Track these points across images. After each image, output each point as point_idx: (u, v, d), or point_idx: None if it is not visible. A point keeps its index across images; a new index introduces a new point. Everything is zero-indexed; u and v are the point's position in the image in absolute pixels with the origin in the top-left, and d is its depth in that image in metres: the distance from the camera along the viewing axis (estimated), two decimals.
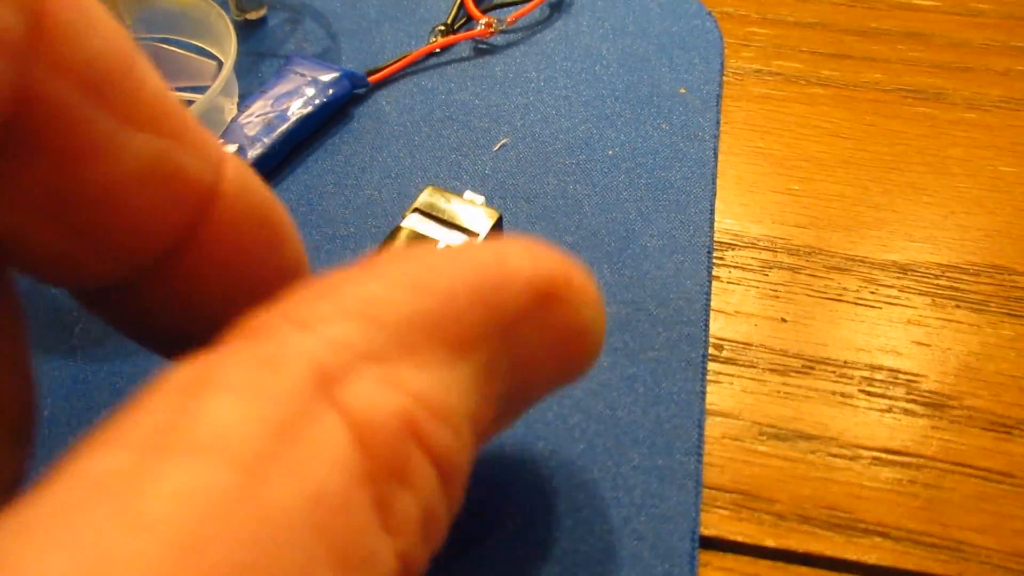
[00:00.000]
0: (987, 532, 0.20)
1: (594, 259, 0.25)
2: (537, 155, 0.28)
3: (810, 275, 0.25)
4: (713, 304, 0.24)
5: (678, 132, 0.28)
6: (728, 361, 0.23)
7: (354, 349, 0.12)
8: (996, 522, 0.20)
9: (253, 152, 0.27)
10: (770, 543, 0.20)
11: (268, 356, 0.11)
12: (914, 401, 0.22)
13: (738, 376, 0.23)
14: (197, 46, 0.27)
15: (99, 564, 0.08)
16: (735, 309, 0.24)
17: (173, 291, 0.14)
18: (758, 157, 0.28)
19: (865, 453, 0.21)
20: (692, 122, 0.29)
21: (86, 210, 0.13)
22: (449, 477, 0.12)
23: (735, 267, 0.25)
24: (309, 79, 0.29)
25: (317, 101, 0.28)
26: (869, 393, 0.22)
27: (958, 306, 0.24)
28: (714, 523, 0.20)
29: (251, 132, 0.27)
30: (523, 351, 0.14)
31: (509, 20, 0.32)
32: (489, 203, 0.25)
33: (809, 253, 0.25)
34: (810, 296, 0.24)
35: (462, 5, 0.32)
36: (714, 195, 0.27)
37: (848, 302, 0.24)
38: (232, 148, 0.26)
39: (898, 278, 0.25)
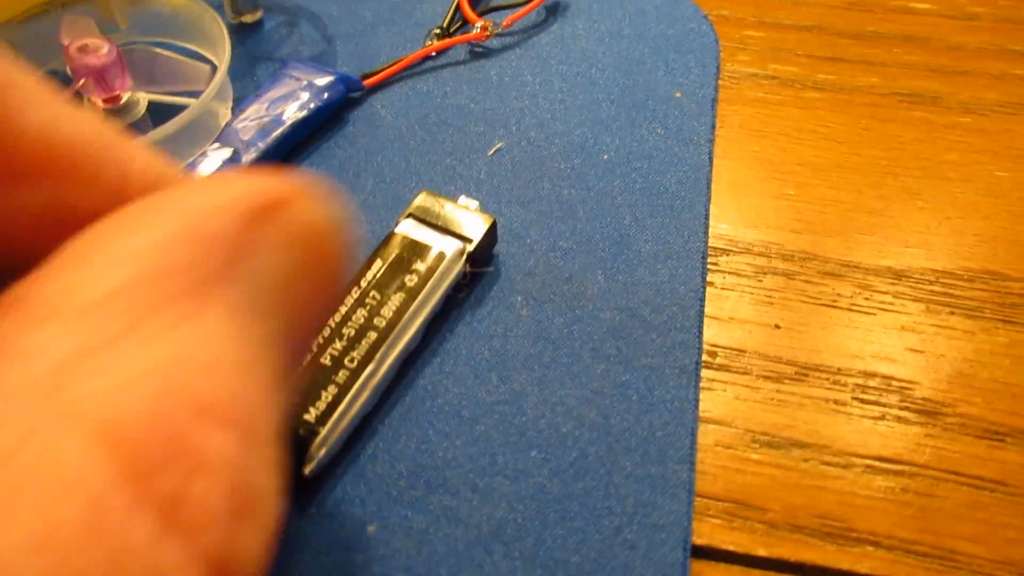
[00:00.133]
0: (979, 541, 0.20)
1: (588, 264, 0.25)
2: (532, 159, 0.28)
3: (804, 281, 0.25)
4: (707, 310, 0.24)
5: (673, 136, 0.28)
6: (722, 368, 0.23)
7: (61, 350, 0.10)
8: (988, 531, 0.20)
9: (248, 157, 0.27)
10: (762, 552, 0.20)
11: None
12: (907, 408, 0.22)
13: (731, 383, 0.23)
14: (191, 49, 0.27)
15: None
16: (729, 315, 0.24)
17: None
18: (753, 161, 0.28)
19: (858, 461, 0.21)
20: (687, 126, 0.29)
21: None
22: (251, 436, 0.11)
23: (729, 273, 0.25)
24: (304, 83, 0.29)
25: (312, 105, 0.28)
26: (862, 400, 0.22)
27: (952, 312, 0.24)
28: (706, 532, 0.20)
29: (246, 136, 0.27)
30: (271, 280, 0.13)
31: (505, 23, 0.32)
32: (483, 208, 0.25)
33: (803, 259, 0.25)
34: (804, 302, 0.24)
35: (458, 8, 0.32)
36: (709, 200, 0.27)
37: (842, 308, 0.24)
38: (227, 152, 0.26)
39: (892, 284, 0.25)
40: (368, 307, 0.22)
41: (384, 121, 0.29)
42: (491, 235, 0.24)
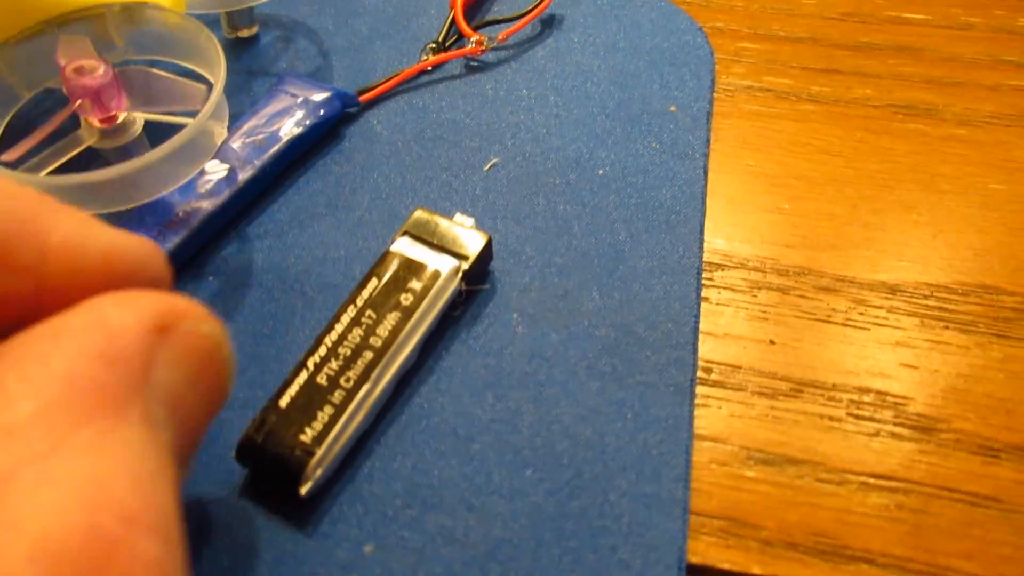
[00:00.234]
0: (973, 558, 0.20)
1: (583, 281, 0.25)
2: (527, 175, 0.28)
3: (799, 296, 0.25)
4: (702, 326, 0.24)
5: (668, 151, 0.28)
6: (717, 384, 0.23)
7: (20, 454, 0.11)
8: (982, 548, 0.20)
9: (244, 174, 0.27)
10: (757, 570, 0.20)
11: None
12: (902, 424, 0.22)
13: (726, 400, 0.23)
14: (188, 68, 0.27)
15: None
16: (724, 331, 0.24)
17: None
18: (748, 175, 0.28)
19: (853, 478, 0.21)
20: (682, 140, 0.29)
21: None
22: (169, 539, 0.12)
23: (724, 288, 0.25)
24: (300, 99, 0.29)
25: (308, 122, 0.28)
26: (857, 416, 0.22)
27: (947, 327, 0.24)
28: (701, 550, 0.20)
29: (242, 153, 0.27)
30: (169, 391, 0.14)
31: (500, 37, 0.32)
32: (479, 224, 0.25)
33: (798, 273, 0.26)
34: (799, 318, 0.24)
35: (453, 23, 0.32)
36: (704, 215, 0.27)
37: (837, 323, 0.24)
38: (223, 170, 0.27)
39: (887, 299, 0.25)
40: (364, 326, 0.22)
41: (380, 137, 0.29)
42: (487, 252, 0.24)
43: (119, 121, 0.25)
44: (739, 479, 0.21)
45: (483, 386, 0.23)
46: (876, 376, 0.23)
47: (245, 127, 0.28)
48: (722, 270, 0.26)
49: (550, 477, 0.21)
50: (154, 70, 0.27)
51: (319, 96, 0.29)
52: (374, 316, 0.22)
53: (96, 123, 0.25)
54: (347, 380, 0.21)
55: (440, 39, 0.32)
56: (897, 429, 0.22)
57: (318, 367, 0.21)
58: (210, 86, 0.25)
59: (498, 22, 0.32)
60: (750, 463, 0.22)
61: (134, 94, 0.26)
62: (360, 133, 0.29)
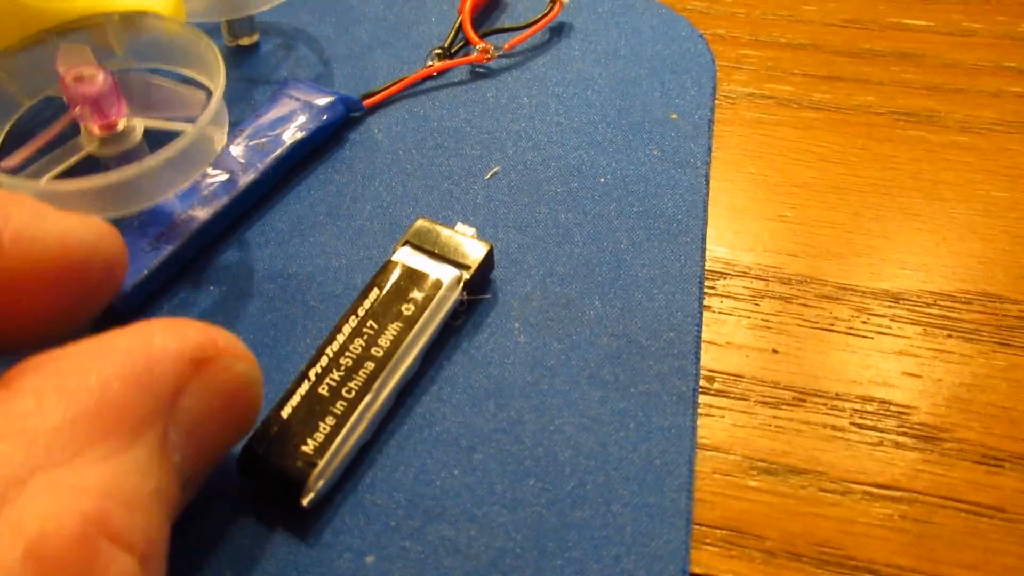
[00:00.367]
0: (977, 568, 0.20)
1: (585, 290, 0.25)
2: (529, 183, 0.28)
3: (802, 305, 0.25)
4: (704, 335, 0.24)
5: (670, 158, 0.28)
6: (719, 394, 0.23)
7: (15, 465, 0.12)
8: (986, 558, 0.20)
9: (245, 179, 0.27)
10: None
11: None
12: (905, 434, 0.22)
13: (729, 409, 0.23)
14: (187, 75, 0.27)
15: None
16: (726, 340, 0.24)
17: None
18: (750, 183, 0.28)
19: (856, 488, 0.21)
20: (684, 148, 0.29)
21: None
22: (147, 558, 0.13)
23: (727, 296, 0.25)
24: (303, 103, 0.29)
25: (311, 126, 0.28)
26: (860, 426, 0.22)
27: (950, 335, 0.24)
28: (704, 561, 0.20)
29: (244, 158, 0.27)
30: (192, 419, 0.15)
31: (507, 46, 0.32)
32: (480, 233, 0.25)
33: (801, 282, 0.25)
34: (801, 326, 0.24)
35: (460, 29, 0.32)
36: (706, 223, 0.27)
37: (839, 332, 0.24)
38: (224, 176, 0.26)
39: (889, 307, 0.25)
40: (366, 336, 0.22)
41: (382, 145, 0.29)
42: (488, 262, 0.24)
43: (119, 128, 0.25)
44: (742, 489, 0.21)
45: (485, 395, 0.22)
46: (879, 385, 0.23)
47: (248, 131, 0.28)
48: (724, 278, 0.26)
49: (552, 487, 0.21)
50: (154, 77, 0.27)
51: (323, 100, 0.29)
52: (376, 326, 0.22)
53: (96, 130, 0.25)
54: (349, 390, 0.21)
55: (446, 45, 0.32)
56: (900, 439, 0.22)
57: (320, 377, 0.21)
58: (210, 93, 0.25)
59: (505, 31, 0.32)
60: (753, 473, 0.22)
61: (134, 101, 0.25)
62: (362, 141, 0.29)
